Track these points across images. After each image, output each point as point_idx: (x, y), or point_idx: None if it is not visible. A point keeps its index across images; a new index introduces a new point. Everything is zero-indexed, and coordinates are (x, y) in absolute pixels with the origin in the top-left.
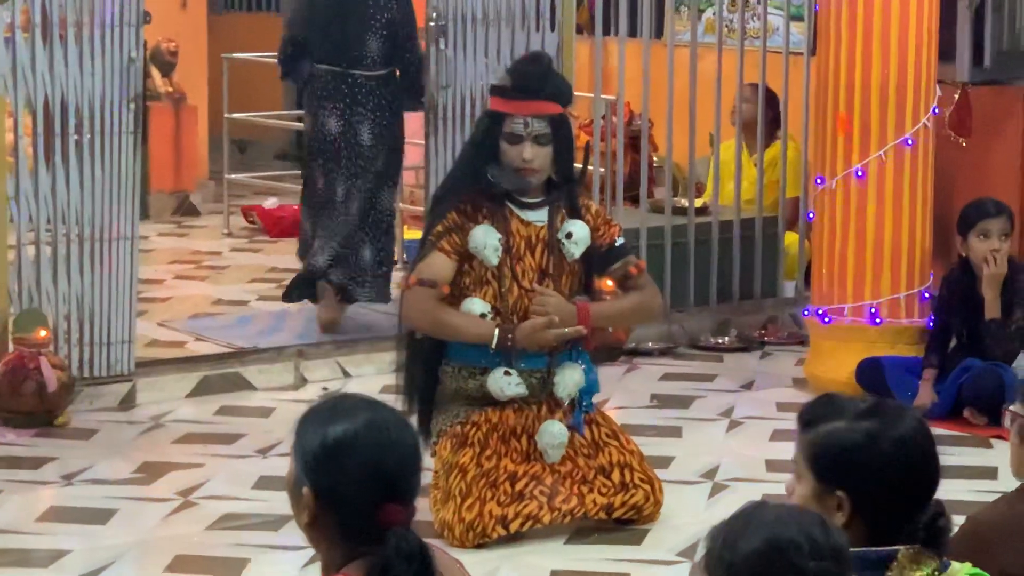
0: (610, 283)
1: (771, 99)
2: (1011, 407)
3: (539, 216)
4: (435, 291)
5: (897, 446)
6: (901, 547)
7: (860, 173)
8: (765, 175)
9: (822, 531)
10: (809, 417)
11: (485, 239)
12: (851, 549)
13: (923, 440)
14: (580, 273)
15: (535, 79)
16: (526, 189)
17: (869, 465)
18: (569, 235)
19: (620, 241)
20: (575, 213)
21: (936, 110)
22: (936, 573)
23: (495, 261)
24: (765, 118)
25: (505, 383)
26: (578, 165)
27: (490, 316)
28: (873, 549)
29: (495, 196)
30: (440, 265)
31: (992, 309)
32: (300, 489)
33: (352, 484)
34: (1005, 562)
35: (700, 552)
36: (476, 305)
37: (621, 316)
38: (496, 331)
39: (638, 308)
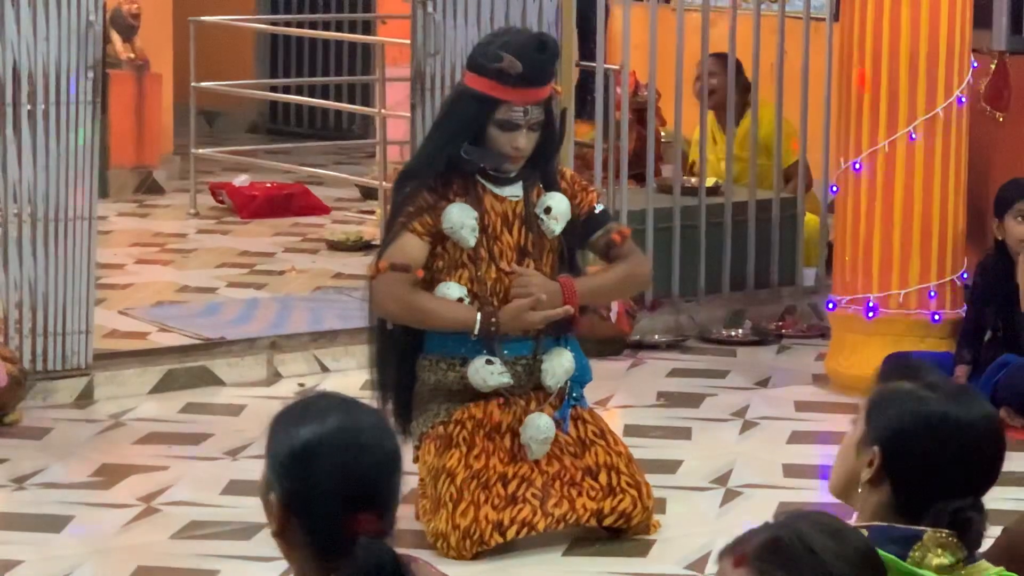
0: (592, 255)
1: (740, 70)
2: None
3: (514, 190)
4: (409, 276)
5: (954, 427)
6: (928, 528)
7: (887, 150)
8: (743, 153)
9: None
10: (891, 373)
11: (461, 218)
12: (875, 524)
13: (985, 434)
14: (560, 249)
15: (542, 69)
16: (508, 170)
17: (916, 435)
18: (548, 209)
19: (599, 207)
20: (551, 184)
21: (970, 81)
22: (961, 564)
23: (472, 242)
24: (738, 90)
25: (487, 372)
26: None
27: (467, 301)
28: (898, 526)
29: (466, 171)
30: (412, 248)
31: None
32: (268, 495)
33: (320, 491)
34: None
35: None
36: (452, 289)
37: (609, 289)
38: (478, 315)
39: (626, 279)
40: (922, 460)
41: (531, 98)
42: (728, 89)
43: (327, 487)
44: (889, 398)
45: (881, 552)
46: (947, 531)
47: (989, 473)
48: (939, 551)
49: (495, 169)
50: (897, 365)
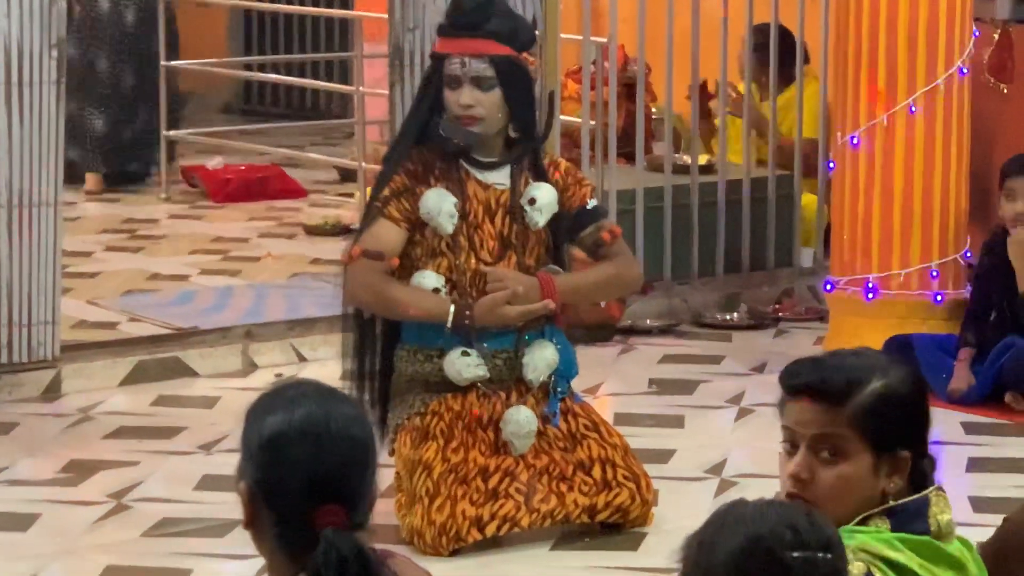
0: (579, 251)
1: (785, 38)
2: None
3: (499, 178)
4: (382, 264)
5: (923, 385)
6: (930, 491)
7: (885, 124)
8: (782, 122)
9: (807, 521)
10: (840, 389)
11: (439, 204)
12: (897, 503)
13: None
14: (547, 241)
15: (472, 13)
16: (472, 143)
17: (921, 411)
18: (532, 201)
19: (592, 203)
20: (540, 174)
21: (972, 52)
22: None
23: (450, 229)
24: (778, 61)
25: (463, 364)
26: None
27: (445, 291)
28: (911, 500)
29: (448, 155)
30: (388, 234)
31: None
32: (239, 484)
33: (287, 482)
34: None
35: (675, 565)
36: (429, 279)
37: (591, 289)
38: (452, 307)
39: (611, 280)
40: (925, 429)
41: (467, 48)
42: (746, 62)
43: (294, 477)
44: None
45: (914, 537)
46: (935, 487)
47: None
48: (945, 508)
49: (472, 148)
50: (832, 381)
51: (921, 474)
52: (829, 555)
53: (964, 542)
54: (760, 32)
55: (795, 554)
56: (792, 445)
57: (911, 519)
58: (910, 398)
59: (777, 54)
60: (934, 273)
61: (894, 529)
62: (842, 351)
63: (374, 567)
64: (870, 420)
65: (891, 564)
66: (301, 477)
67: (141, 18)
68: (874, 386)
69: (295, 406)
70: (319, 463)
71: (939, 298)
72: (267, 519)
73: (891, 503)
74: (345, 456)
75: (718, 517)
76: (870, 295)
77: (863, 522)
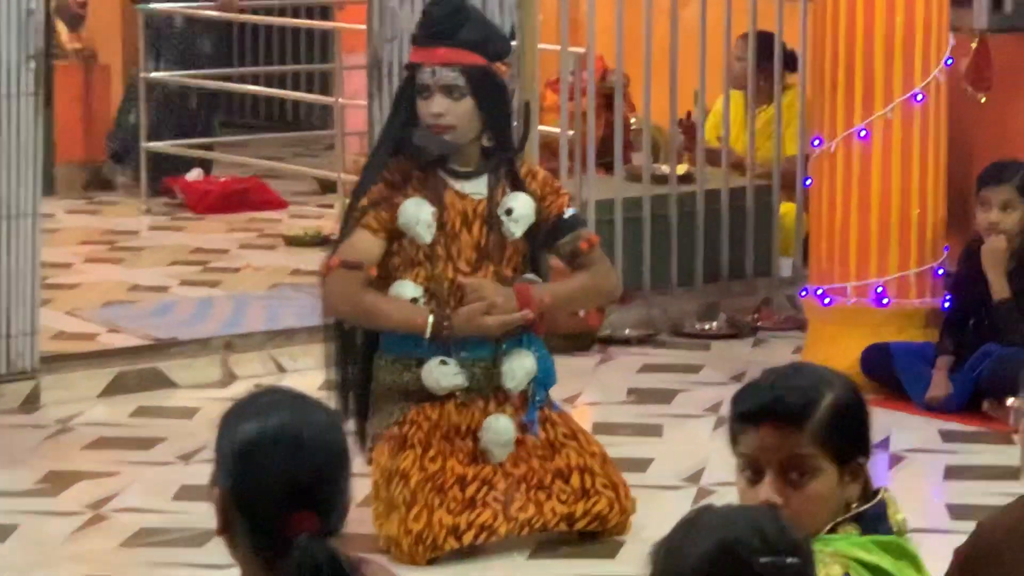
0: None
1: (766, 45)
2: (1015, 401)
3: (477, 188)
4: (360, 274)
5: (860, 390)
6: (883, 493)
7: (863, 133)
8: (766, 135)
9: (776, 526)
10: (799, 410)
11: (417, 214)
12: (863, 508)
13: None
14: (525, 250)
15: (442, 22)
16: (448, 152)
17: (868, 417)
18: (509, 211)
19: (570, 212)
20: (517, 184)
21: (950, 61)
22: None
23: (428, 239)
24: (757, 70)
25: (441, 373)
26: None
27: (423, 301)
28: (873, 504)
29: (425, 164)
30: (366, 244)
31: (999, 289)
32: (213, 490)
33: (259, 488)
34: (1020, 573)
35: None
36: (407, 289)
37: (569, 299)
38: (431, 318)
39: (588, 289)
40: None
41: (435, 58)
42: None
43: (266, 484)
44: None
45: (883, 538)
46: (884, 488)
47: None
48: (896, 506)
49: (447, 158)
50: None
51: (867, 478)
52: (797, 560)
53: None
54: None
55: (763, 559)
56: (755, 472)
57: (876, 522)
58: (858, 406)
59: (779, 62)
60: (912, 282)
61: (863, 533)
62: (779, 369)
63: (348, 573)
64: (831, 435)
65: (867, 566)
66: (274, 484)
67: None
68: (828, 400)
69: (269, 413)
70: (292, 470)
71: (917, 306)
72: (240, 526)
73: (858, 509)
74: (319, 463)
75: (686, 523)
76: (848, 303)
77: (833, 530)
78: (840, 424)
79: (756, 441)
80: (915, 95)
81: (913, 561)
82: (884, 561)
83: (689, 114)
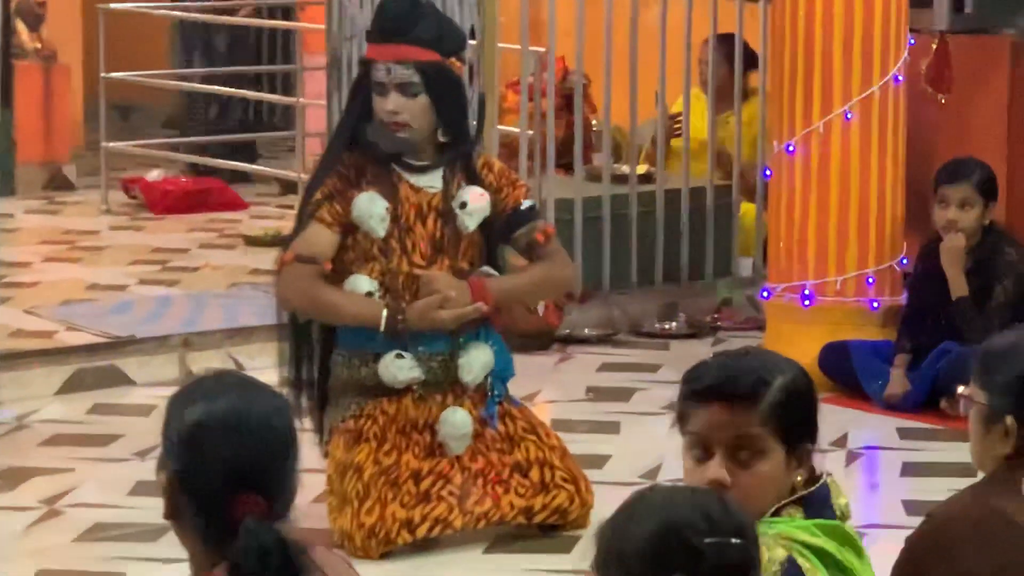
0: (513, 252)
1: (727, 47)
2: (964, 390)
3: (431, 181)
4: (315, 268)
5: (810, 377)
6: (826, 478)
7: (821, 131)
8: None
9: (720, 507)
10: (750, 389)
11: (370, 207)
12: (807, 492)
13: None
14: (481, 244)
15: (397, 19)
16: (404, 149)
17: (817, 403)
18: (463, 204)
19: (526, 204)
20: (472, 177)
21: (907, 60)
22: None
23: (382, 232)
24: (724, 72)
25: (397, 368)
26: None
27: (378, 295)
28: (817, 488)
29: (379, 159)
30: (320, 238)
31: (957, 287)
32: (160, 474)
33: (205, 472)
34: (970, 564)
35: (590, 554)
36: (362, 283)
37: (523, 291)
38: (384, 311)
39: (544, 280)
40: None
41: (391, 55)
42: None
43: (212, 467)
44: (798, 396)
45: (827, 523)
46: (827, 473)
47: None
48: (840, 493)
49: (402, 153)
50: (741, 382)
51: (812, 465)
52: (741, 540)
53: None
54: (725, 42)
55: (707, 540)
56: (703, 451)
57: (820, 506)
58: (809, 391)
59: (739, 62)
60: (870, 280)
61: (807, 517)
62: (732, 351)
63: (295, 557)
64: (781, 417)
65: (811, 549)
66: (221, 467)
67: None
68: (779, 383)
69: (216, 396)
70: (239, 453)
71: (875, 304)
72: (188, 510)
73: (802, 492)
74: (266, 446)
75: (630, 503)
76: (806, 302)
77: (777, 512)
78: (790, 407)
79: (706, 419)
80: (872, 93)
81: (854, 546)
82: (828, 545)
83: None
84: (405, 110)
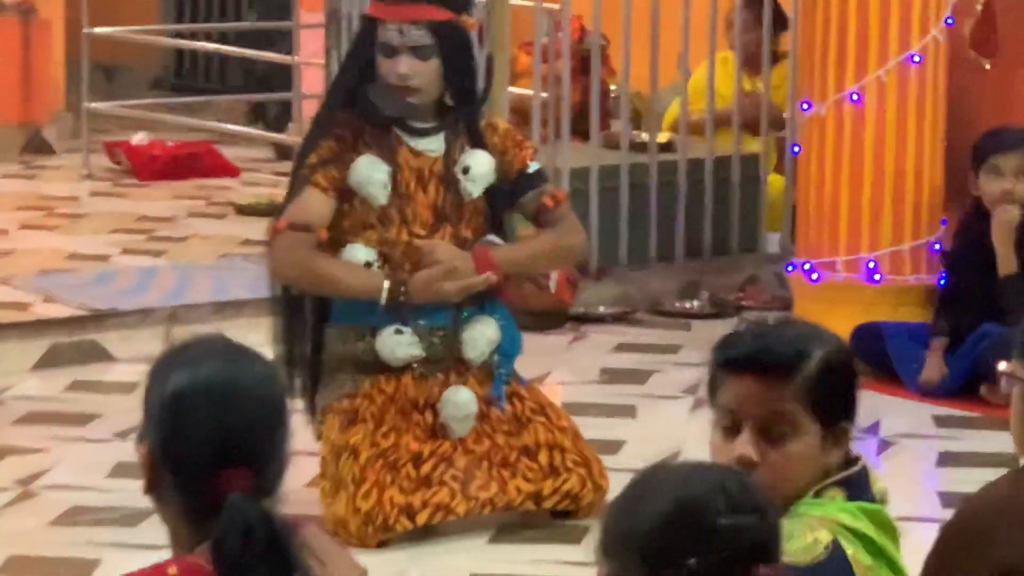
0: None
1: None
2: (1007, 367)
3: (433, 144)
4: (310, 236)
5: (852, 352)
6: (862, 460)
7: (856, 97)
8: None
9: (740, 486)
10: (787, 362)
11: (369, 173)
12: (849, 473)
13: None
14: (486, 210)
15: None
16: (410, 114)
17: (857, 380)
18: (466, 169)
19: (533, 166)
20: (476, 140)
21: (950, 20)
22: None
23: (383, 199)
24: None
25: (396, 343)
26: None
27: (377, 265)
28: (857, 470)
29: (379, 122)
30: (315, 204)
31: (1007, 264)
32: (140, 446)
33: (187, 443)
34: (1006, 552)
35: (594, 536)
36: (360, 252)
37: (531, 259)
38: (386, 283)
39: (552, 249)
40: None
41: (403, 15)
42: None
43: (195, 438)
44: (836, 373)
45: (869, 506)
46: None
47: None
48: (876, 477)
49: (403, 116)
50: (776, 356)
51: (849, 446)
52: (760, 521)
53: None
54: (754, 2)
55: (724, 520)
56: (733, 425)
57: (861, 489)
58: (849, 367)
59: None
60: (906, 256)
61: (849, 499)
62: (770, 321)
63: (282, 536)
64: (818, 394)
65: (853, 532)
66: (205, 438)
67: None
68: (818, 356)
69: (200, 363)
70: (224, 423)
71: (911, 283)
72: (169, 484)
73: (843, 474)
74: (253, 416)
75: (641, 480)
76: (838, 279)
77: (819, 494)
78: (829, 383)
79: (737, 391)
80: (912, 56)
81: (892, 534)
82: (869, 529)
83: None
84: (417, 74)
